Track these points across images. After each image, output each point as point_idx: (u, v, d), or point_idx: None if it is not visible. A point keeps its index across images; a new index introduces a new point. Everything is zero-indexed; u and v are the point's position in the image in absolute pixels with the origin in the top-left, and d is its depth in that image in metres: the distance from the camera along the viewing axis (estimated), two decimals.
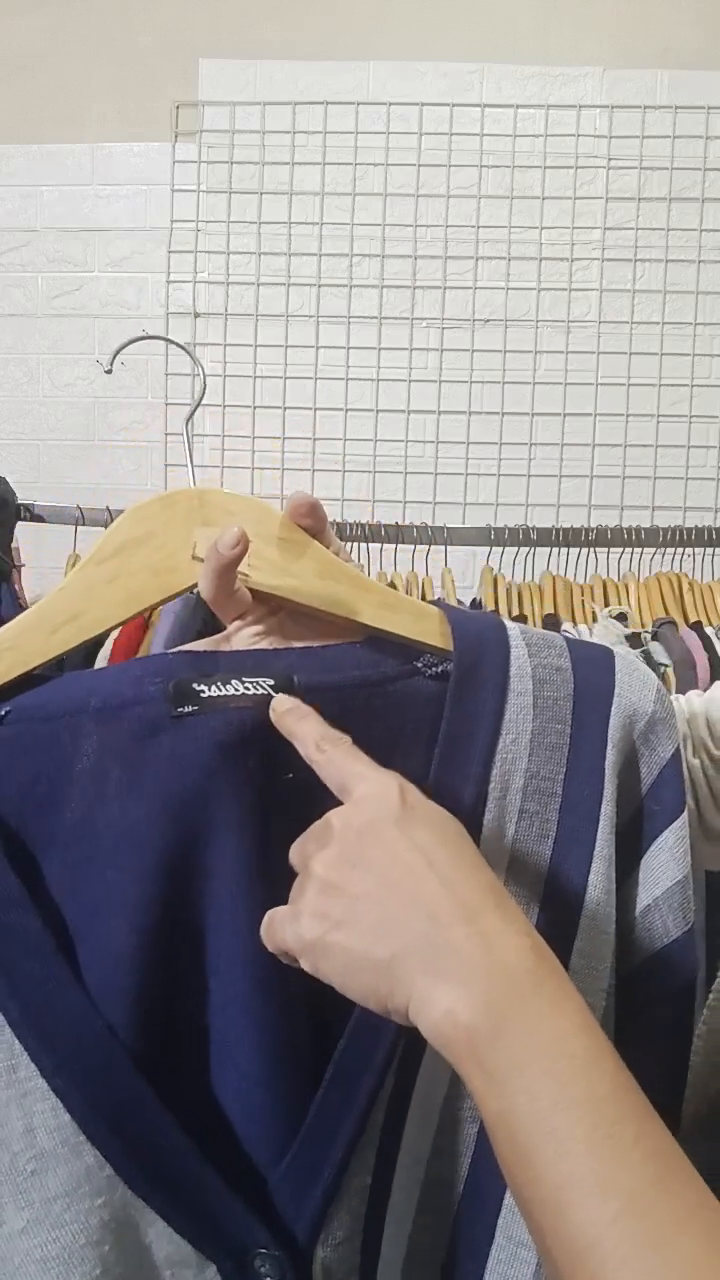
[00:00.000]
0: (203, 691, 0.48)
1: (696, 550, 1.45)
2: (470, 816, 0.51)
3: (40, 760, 0.49)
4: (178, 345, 0.61)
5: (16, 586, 1.42)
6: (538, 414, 1.76)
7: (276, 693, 0.48)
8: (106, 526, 1.47)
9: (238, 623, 0.53)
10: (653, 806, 0.55)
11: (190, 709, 0.48)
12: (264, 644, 0.53)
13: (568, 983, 0.40)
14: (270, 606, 0.53)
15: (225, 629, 0.54)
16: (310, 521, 0.53)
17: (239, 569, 0.49)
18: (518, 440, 1.76)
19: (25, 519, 1.31)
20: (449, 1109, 0.51)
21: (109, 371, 0.59)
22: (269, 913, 0.45)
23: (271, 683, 0.49)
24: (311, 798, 0.46)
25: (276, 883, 0.46)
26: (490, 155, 1.75)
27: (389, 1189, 0.50)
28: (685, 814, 0.55)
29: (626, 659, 0.57)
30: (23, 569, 1.46)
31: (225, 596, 0.50)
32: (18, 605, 1.41)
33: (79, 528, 1.33)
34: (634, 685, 0.56)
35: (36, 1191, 0.46)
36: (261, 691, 0.48)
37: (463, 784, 0.51)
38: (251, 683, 0.49)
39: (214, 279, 1.76)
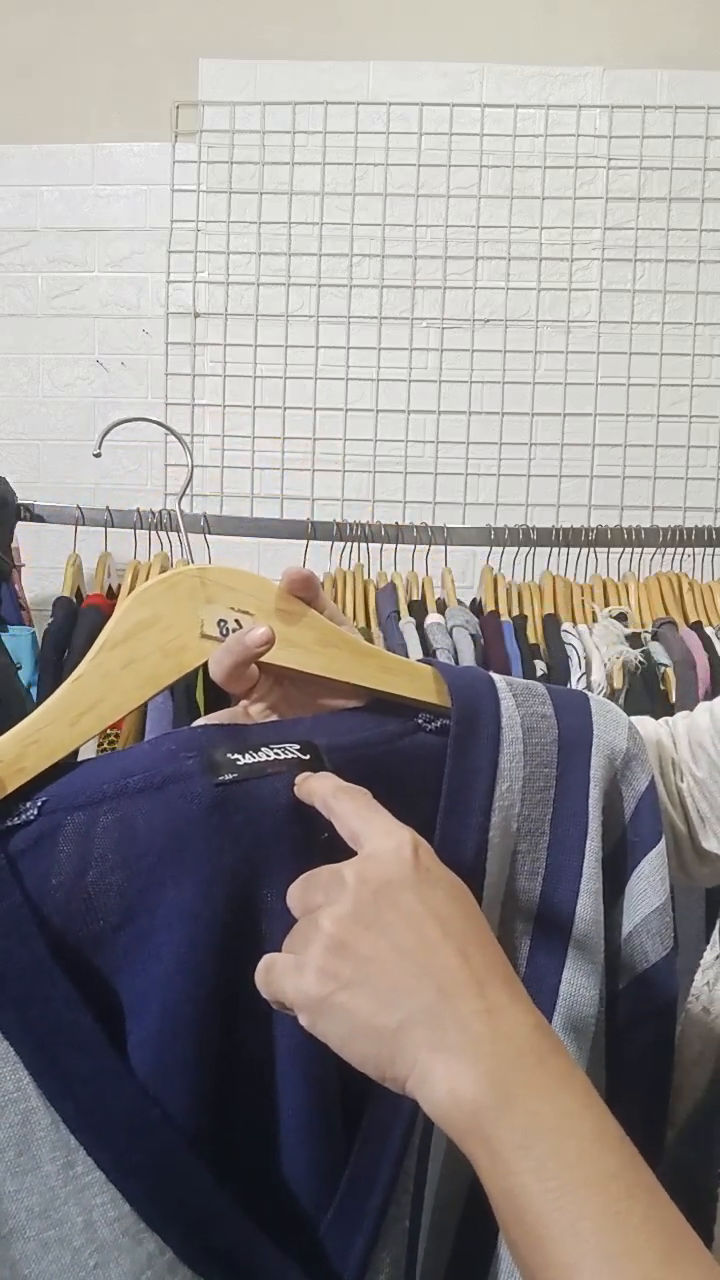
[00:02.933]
0: (238, 760, 0.49)
1: (696, 550, 1.45)
2: (474, 863, 0.53)
3: (86, 848, 0.49)
4: (171, 432, 0.62)
5: (16, 586, 1.42)
6: (538, 414, 1.76)
7: (304, 754, 0.50)
8: (106, 526, 1.47)
9: (243, 702, 0.55)
10: (633, 837, 0.58)
11: (230, 777, 0.49)
12: (275, 714, 0.56)
13: (570, 1060, 0.39)
14: (275, 676, 0.55)
15: (219, 693, 0.56)
16: (306, 593, 0.55)
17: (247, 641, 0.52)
18: (518, 440, 1.76)
19: (25, 519, 1.32)
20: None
21: (98, 455, 0.61)
22: (268, 958, 0.44)
23: (298, 747, 0.51)
24: (322, 851, 0.47)
25: None
26: (490, 155, 1.75)
27: (419, 1228, 0.51)
28: (662, 842, 0.58)
29: (598, 701, 0.61)
30: (23, 569, 1.46)
31: (237, 678, 0.52)
32: (18, 605, 1.41)
33: (79, 528, 1.33)
34: (609, 726, 0.60)
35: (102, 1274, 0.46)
36: (292, 755, 0.49)
37: (466, 833, 0.54)
38: (280, 748, 0.51)
39: (214, 279, 1.76)
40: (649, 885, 0.58)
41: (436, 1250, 0.54)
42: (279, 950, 0.45)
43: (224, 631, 0.52)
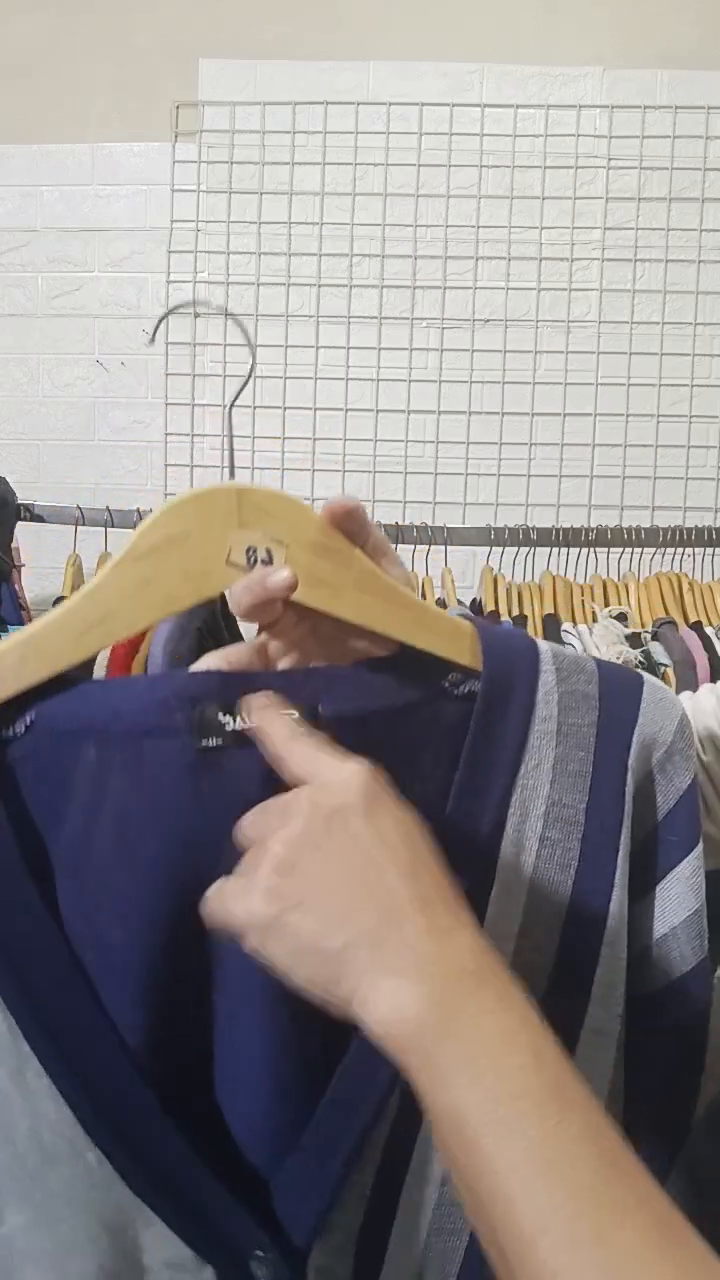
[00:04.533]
0: (227, 725, 0.47)
1: (696, 550, 1.45)
2: (488, 842, 0.51)
3: (62, 779, 0.48)
4: (231, 316, 0.60)
5: (16, 586, 1.42)
6: (538, 414, 1.76)
7: (300, 721, 0.47)
8: (106, 527, 1.47)
9: (264, 635, 0.52)
10: (669, 836, 0.55)
11: (214, 743, 0.47)
12: (289, 659, 0.53)
13: (511, 980, 0.40)
14: (300, 613, 0.52)
15: (236, 626, 0.53)
16: (349, 525, 0.51)
17: (274, 580, 0.48)
18: (518, 440, 1.76)
19: (25, 519, 1.32)
20: None
21: (151, 342, 0.58)
22: (218, 883, 0.44)
23: (297, 716, 0.48)
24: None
25: None
26: (490, 155, 1.75)
27: (394, 1206, 0.50)
28: (700, 845, 0.55)
29: (654, 686, 0.57)
30: (23, 569, 1.46)
31: (257, 615, 0.49)
32: (18, 605, 1.41)
33: (79, 528, 1.33)
34: (658, 714, 0.55)
35: (38, 1189, 0.46)
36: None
37: (482, 809, 0.51)
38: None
39: (214, 279, 1.76)
40: (688, 888, 0.55)
41: (445, 1249, 0.52)
42: None
43: (251, 561, 0.48)
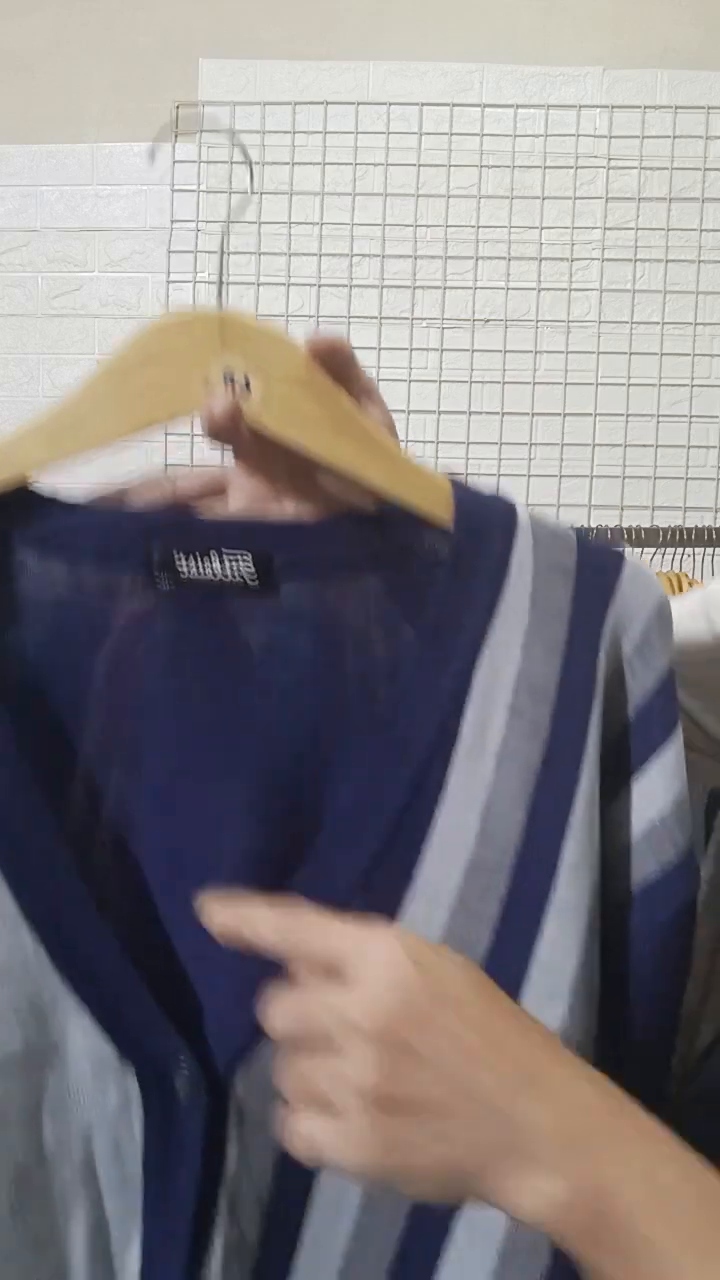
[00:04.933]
0: (182, 571, 0.48)
1: (696, 550, 1.45)
2: (449, 711, 0.49)
3: (27, 598, 0.49)
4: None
5: None
6: (538, 414, 1.76)
7: (256, 573, 0.48)
8: None
9: (236, 471, 0.51)
10: (646, 724, 0.53)
11: (166, 589, 0.48)
12: (265, 490, 0.52)
13: (635, 1108, 0.38)
14: (274, 453, 0.51)
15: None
16: (332, 362, 0.49)
17: (249, 403, 0.47)
18: (518, 440, 1.76)
19: None
20: None
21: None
22: (297, 1123, 0.40)
23: (252, 563, 0.48)
24: (279, 687, 0.49)
25: (232, 759, 0.49)
26: (490, 155, 1.75)
27: None
28: (678, 736, 0.53)
29: (635, 566, 0.54)
30: None
31: (227, 435, 0.48)
32: None
33: None
34: (636, 593, 0.53)
35: None
36: (240, 578, 0.48)
37: (446, 675, 0.49)
38: (232, 559, 0.48)
39: (214, 279, 1.76)
40: (671, 775, 0.52)
41: None
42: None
43: (228, 385, 0.48)
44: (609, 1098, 0.37)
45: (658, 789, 0.53)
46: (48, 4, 1.77)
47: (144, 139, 1.76)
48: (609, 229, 1.75)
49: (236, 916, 0.42)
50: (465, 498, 0.52)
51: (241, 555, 0.48)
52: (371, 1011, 0.37)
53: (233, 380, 0.48)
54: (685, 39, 1.74)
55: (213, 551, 0.48)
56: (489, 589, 0.51)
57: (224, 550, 0.48)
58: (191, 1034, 0.49)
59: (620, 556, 0.54)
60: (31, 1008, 0.48)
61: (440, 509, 0.51)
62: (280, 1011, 0.40)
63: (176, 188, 1.75)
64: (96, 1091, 0.49)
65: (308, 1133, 0.39)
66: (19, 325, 1.80)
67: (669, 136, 1.74)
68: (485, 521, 0.52)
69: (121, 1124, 0.49)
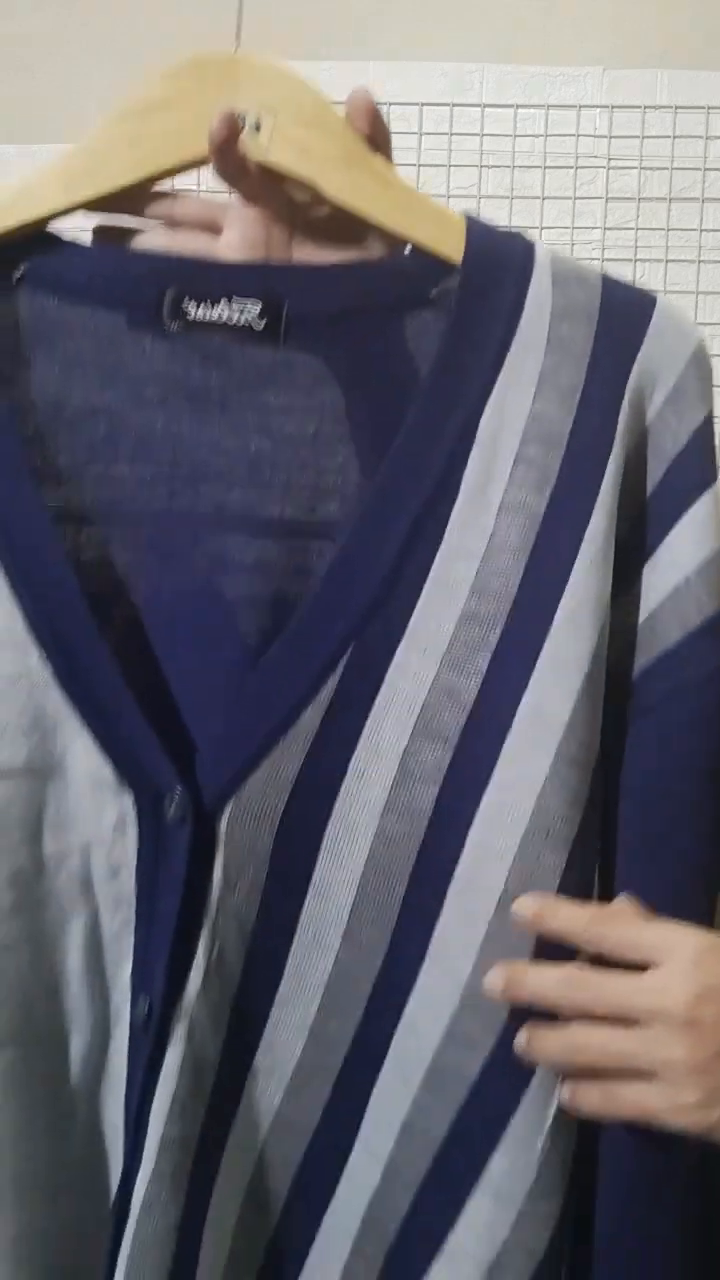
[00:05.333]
0: (189, 313, 0.49)
1: None
2: (452, 458, 0.48)
3: (47, 337, 0.51)
4: None
5: None
6: None
7: (263, 318, 0.48)
8: None
9: (241, 216, 0.52)
10: (676, 479, 0.51)
11: (175, 328, 0.49)
12: (261, 248, 0.52)
13: None
14: (284, 199, 0.51)
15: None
16: (367, 130, 0.50)
17: (252, 142, 0.49)
18: None
19: None
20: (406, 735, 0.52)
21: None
22: (603, 1039, 0.48)
23: (259, 309, 0.48)
24: (282, 432, 0.50)
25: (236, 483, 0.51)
26: (490, 155, 1.75)
27: (324, 790, 0.52)
28: (716, 486, 0.51)
29: (669, 310, 0.52)
30: None
31: (236, 172, 0.49)
32: None
33: None
34: (666, 340, 0.50)
35: None
36: (247, 321, 0.48)
37: (446, 423, 0.48)
38: (240, 305, 0.48)
39: None
40: (704, 532, 0.50)
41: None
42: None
43: (240, 127, 0.49)
44: None
45: (686, 547, 0.50)
46: (48, 4, 1.77)
47: None
48: (609, 229, 1.75)
49: (544, 905, 0.49)
50: (480, 235, 0.51)
51: (250, 300, 0.48)
52: (683, 995, 0.46)
53: (245, 122, 0.49)
54: (685, 39, 1.73)
55: (222, 296, 0.49)
56: (500, 331, 0.49)
57: (232, 295, 0.49)
58: (185, 764, 0.51)
59: (651, 300, 0.53)
60: (35, 724, 0.50)
61: (451, 247, 0.50)
62: (593, 997, 0.48)
63: (175, 187, 1.75)
64: (94, 810, 0.51)
65: (636, 1098, 0.48)
66: None
67: (669, 136, 1.74)
68: (500, 260, 0.50)
69: (117, 842, 0.51)
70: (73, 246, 0.52)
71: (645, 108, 1.74)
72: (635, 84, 1.76)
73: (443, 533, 0.49)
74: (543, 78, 1.75)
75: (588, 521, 0.49)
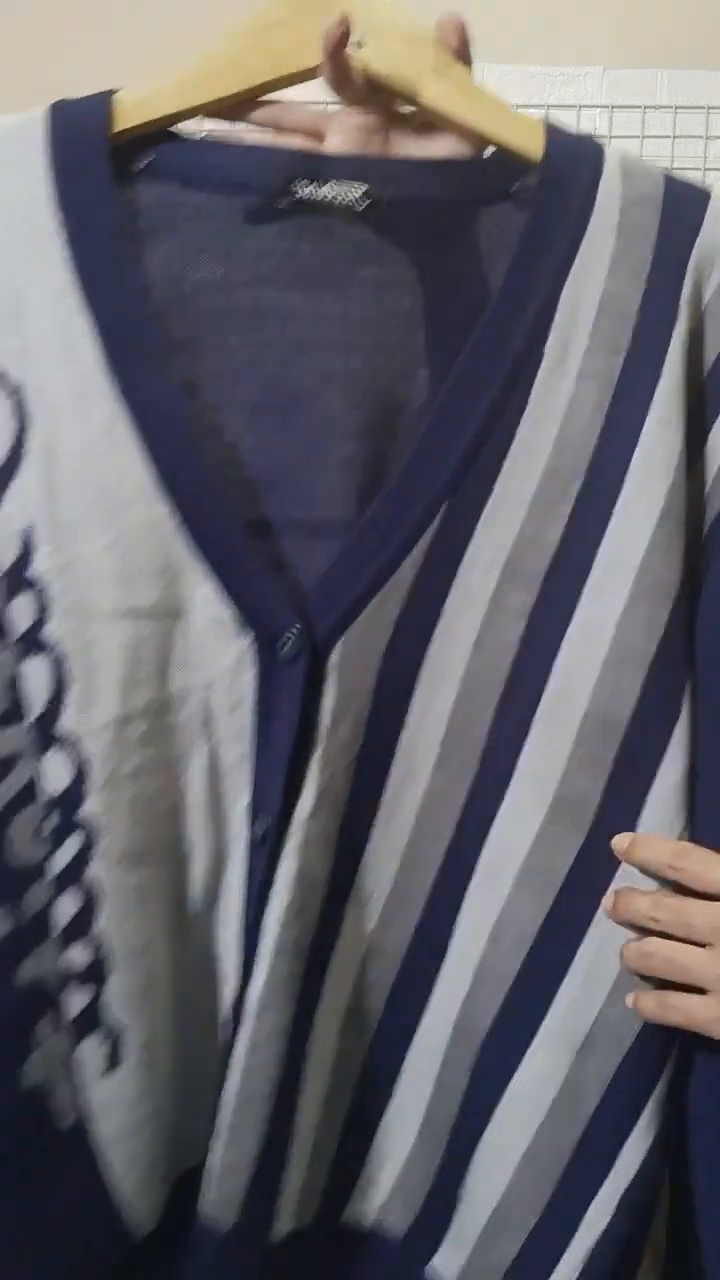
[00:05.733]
0: (298, 193, 0.55)
1: None
2: (534, 330, 0.55)
3: (169, 213, 0.57)
4: None
5: None
6: None
7: (365, 200, 0.56)
8: None
9: (343, 125, 0.59)
10: None
11: (286, 205, 0.56)
12: (367, 145, 0.59)
13: None
14: (382, 109, 0.59)
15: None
16: (457, 44, 0.57)
17: (357, 55, 0.56)
18: None
19: None
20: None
21: None
22: (668, 950, 0.55)
23: (363, 192, 0.56)
24: (381, 305, 0.57)
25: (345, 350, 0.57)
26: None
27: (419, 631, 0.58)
28: None
29: None
30: None
31: (343, 80, 0.57)
32: None
33: None
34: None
35: (117, 519, 0.55)
36: (351, 201, 0.55)
37: (529, 298, 0.55)
38: (345, 187, 0.56)
39: None
40: None
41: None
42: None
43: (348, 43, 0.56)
44: None
45: None
46: (48, 4, 1.77)
47: None
48: None
49: (643, 850, 0.56)
50: (556, 136, 0.58)
51: (354, 184, 0.56)
52: None
53: (348, 41, 0.55)
54: (685, 39, 1.73)
55: (329, 180, 0.55)
56: (576, 218, 0.56)
57: (337, 179, 0.56)
58: (298, 608, 0.57)
59: (706, 193, 0.59)
60: (164, 570, 0.56)
61: (532, 147, 0.57)
62: (666, 915, 0.55)
63: None
64: (215, 650, 0.57)
65: (685, 1006, 0.54)
66: None
67: (669, 136, 1.74)
68: (575, 157, 0.58)
69: (235, 680, 0.57)
70: (191, 141, 0.59)
71: (645, 108, 1.74)
72: (635, 84, 1.76)
73: (527, 397, 0.55)
74: (543, 78, 1.75)
75: (656, 383, 0.55)
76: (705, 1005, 0.54)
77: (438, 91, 0.55)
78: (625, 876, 0.58)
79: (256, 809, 0.58)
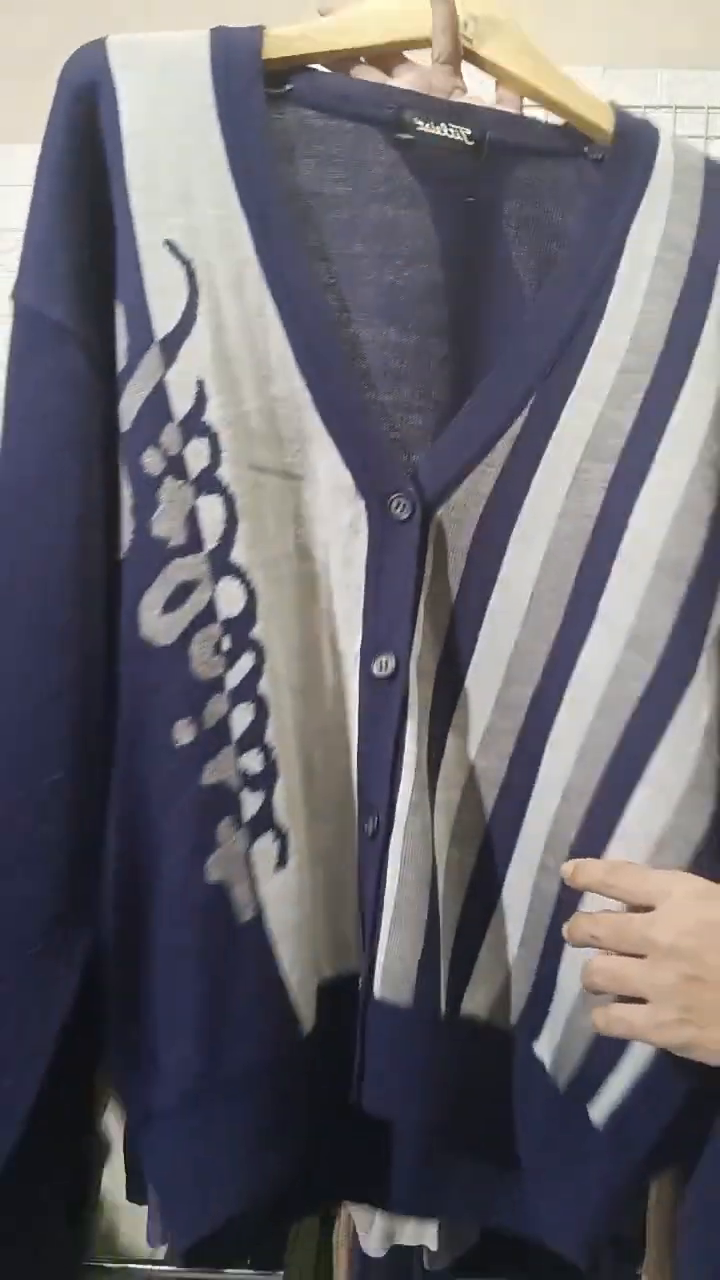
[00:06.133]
0: (417, 126, 0.65)
1: None
2: (610, 258, 0.67)
3: (300, 133, 0.66)
4: None
5: None
6: None
7: (472, 142, 0.66)
8: None
9: (436, 73, 0.69)
10: None
11: (407, 138, 0.65)
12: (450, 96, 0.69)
13: None
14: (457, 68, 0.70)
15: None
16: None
17: (463, 34, 0.67)
18: None
19: None
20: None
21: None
22: (609, 965, 0.59)
23: (470, 132, 0.66)
24: (485, 227, 0.67)
25: (458, 270, 0.68)
26: None
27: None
28: None
29: None
30: None
31: (450, 55, 0.66)
32: None
33: None
34: None
35: (265, 387, 0.64)
36: (461, 138, 0.66)
37: (605, 235, 0.67)
38: (456, 127, 0.66)
39: None
40: None
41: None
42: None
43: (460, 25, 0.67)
44: None
45: None
46: (47, 4, 1.77)
47: None
48: None
49: (576, 867, 0.62)
50: (623, 114, 0.70)
51: (464, 125, 0.66)
52: (668, 929, 0.55)
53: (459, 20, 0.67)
54: (685, 39, 1.74)
55: (443, 120, 0.66)
56: (640, 176, 0.68)
57: (449, 119, 0.66)
58: (406, 478, 0.66)
59: None
60: (298, 436, 0.65)
61: (602, 120, 0.69)
62: (602, 931, 0.59)
63: None
64: (333, 512, 0.66)
65: (625, 1017, 0.58)
66: None
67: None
68: (638, 131, 0.70)
69: (351, 539, 0.66)
70: (323, 74, 0.68)
71: (645, 108, 1.74)
72: (635, 84, 1.76)
73: (604, 309, 0.67)
74: None
75: (710, 300, 0.68)
76: (645, 1014, 0.57)
77: (529, 70, 0.68)
78: (697, 696, 0.66)
79: (377, 650, 0.66)
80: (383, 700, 0.66)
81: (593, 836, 0.67)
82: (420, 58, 0.70)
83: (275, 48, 0.67)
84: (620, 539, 0.66)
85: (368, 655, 0.67)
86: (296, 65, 0.67)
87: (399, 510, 0.65)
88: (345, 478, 0.65)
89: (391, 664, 0.65)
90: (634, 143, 0.69)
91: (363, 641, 0.67)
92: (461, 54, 0.67)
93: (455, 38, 0.66)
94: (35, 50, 1.85)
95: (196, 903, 0.62)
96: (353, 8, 0.67)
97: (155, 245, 0.63)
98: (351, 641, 0.67)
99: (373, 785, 0.67)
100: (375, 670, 0.66)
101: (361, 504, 0.65)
